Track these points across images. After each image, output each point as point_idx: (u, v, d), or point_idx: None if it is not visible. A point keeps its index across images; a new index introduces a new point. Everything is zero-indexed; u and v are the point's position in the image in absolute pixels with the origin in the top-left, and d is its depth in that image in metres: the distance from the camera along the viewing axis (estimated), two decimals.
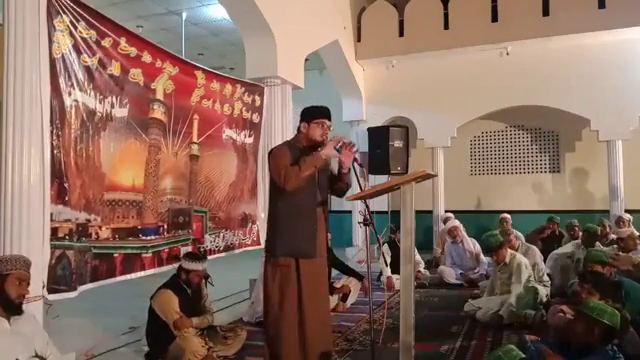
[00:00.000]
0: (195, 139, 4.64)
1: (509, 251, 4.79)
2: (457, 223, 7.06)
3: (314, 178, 2.98)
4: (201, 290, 3.87)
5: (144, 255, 3.94)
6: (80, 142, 3.37)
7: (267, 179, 5.63)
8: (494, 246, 4.73)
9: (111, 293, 4.25)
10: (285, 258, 2.93)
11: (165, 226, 4.21)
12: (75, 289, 3.26)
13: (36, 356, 2.50)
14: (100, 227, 3.53)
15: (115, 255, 3.67)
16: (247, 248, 5.50)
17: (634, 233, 5.26)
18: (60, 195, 3.18)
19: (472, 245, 6.89)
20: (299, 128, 3.10)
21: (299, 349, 2.89)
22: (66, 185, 3.22)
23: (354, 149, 2.98)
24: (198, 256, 3.83)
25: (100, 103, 3.54)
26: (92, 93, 3.47)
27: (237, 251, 5.34)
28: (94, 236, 3.47)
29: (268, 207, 3.15)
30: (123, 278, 3.75)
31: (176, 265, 4.09)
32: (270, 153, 3.08)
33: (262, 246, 5.55)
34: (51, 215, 3.12)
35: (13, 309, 2.49)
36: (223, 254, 5.05)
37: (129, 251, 3.80)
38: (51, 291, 3.09)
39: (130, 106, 3.82)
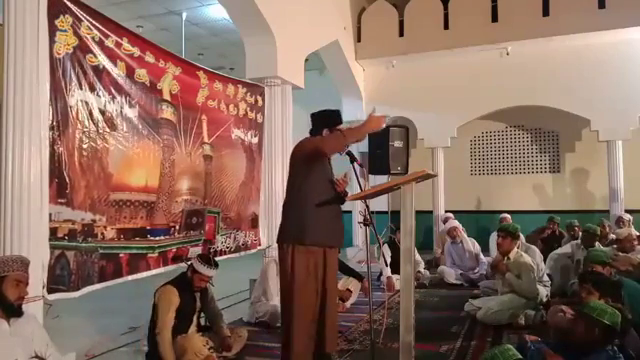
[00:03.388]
0: (206, 139, 4.64)
1: (515, 250, 4.78)
2: (456, 223, 7.06)
3: (331, 175, 3.15)
4: (207, 291, 3.84)
5: (150, 255, 3.91)
6: (86, 142, 3.36)
7: (274, 179, 5.68)
8: (509, 231, 4.75)
9: (111, 293, 4.24)
10: (314, 247, 3.06)
11: (177, 227, 4.19)
12: (77, 289, 3.24)
13: (36, 357, 2.48)
14: (105, 227, 3.52)
15: (121, 255, 3.65)
16: (258, 248, 5.51)
17: (632, 235, 5.25)
18: (60, 195, 3.16)
19: (472, 245, 6.90)
20: (320, 132, 3.16)
21: (315, 333, 3.06)
22: (67, 185, 3.20)
23: (348, 179, 3.18)
24: (210, 262, 3.65)
25: (109, 103, 3.53)
26: (100, 93, 3.46)
27: (251, 252, 5.36)
28: (100, 236, 3.46)
29: (290, 198, 3.20)
30: (130, 278, 3.73)
31: (180, 265, 4.09)
32: (304, 142, 3.16)
33: (262, 246, 5.60)
34: (50, 215, 3.10)
35: (12, 311, 2.47)
36: (235, 255, 5.05)
37: (134, 251, 3.77)
38: (50, 291, 3.08)
39: (139, 106, 3.81)
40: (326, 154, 3.04)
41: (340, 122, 3.24)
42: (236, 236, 5.08)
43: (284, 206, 3.26)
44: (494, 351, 2.20)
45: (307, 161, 3.06)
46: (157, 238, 3.98)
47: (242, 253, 5.24)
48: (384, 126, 3.01)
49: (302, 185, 3.09)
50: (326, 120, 3.19)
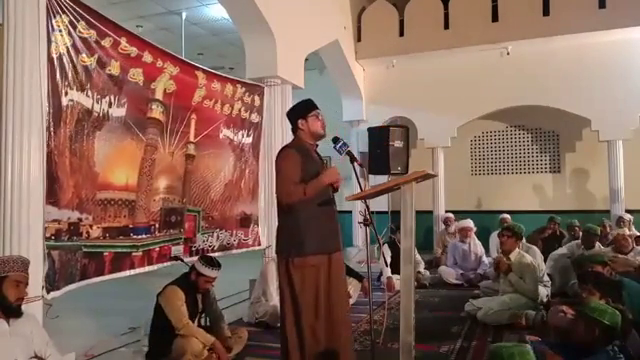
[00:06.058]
0: (192, 139, 4.62)
1: (516, 250, 4.78)
2: (471, 224, 7.00)
3: (321, 168, 3.09)
4: (209, 293, 3.83)
5: (134, 254, 3.90)
6: (74, 142, 3.36)
7: (274, 178, 5.64)
8: (515, 231, 4.77)
9: (111, 293, 4.25)
10: (316, 256, 2.95)
11: (157, 225, 4.18)
12: (58, 289, 3.20)
13: (35, 357, 2.48)
14: (91, 226, 3.51)
15: (105, 254, 3.64)
16: (250, 248, 5.48)
17: (621, 233, 5.24)
18: (50, 195, 3.16)
19: (479, 248, 6.89)
20: (297, 127, 3.11)
21: (325, 344, 2.95)
22: (56, 185, 3.19)
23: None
24: (213, 262, 3.65)
25: (97, 103, 3.53)
26: (89, 93, 3.45)
27: (237, 251, 5.31)
28: (85, 235, 3.45)
29: (281, 208, 3.08)
30: (112, 277, 3.71)
31: (167, 264, 4.11)
32: (278, 156, 3.07)
33: (262, 246, 5.59)
34: None
35: (12, 312, 2.47)
36: (219, 254, 5.02)
37: (119, 250, 3.76)
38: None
39: (128, 106, 3.81)
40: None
41: (314, 108, 3.11)
42: (219, 235, 5.03)
43: (278, 216, 3.16)
44: (512, 350, 2.04)
45: None
46: (139, 236, 3.97)
47: (235, 251, 5.22)
48: (342, 182, 3.04)
49: None
50: (297, 112, 3.12)
